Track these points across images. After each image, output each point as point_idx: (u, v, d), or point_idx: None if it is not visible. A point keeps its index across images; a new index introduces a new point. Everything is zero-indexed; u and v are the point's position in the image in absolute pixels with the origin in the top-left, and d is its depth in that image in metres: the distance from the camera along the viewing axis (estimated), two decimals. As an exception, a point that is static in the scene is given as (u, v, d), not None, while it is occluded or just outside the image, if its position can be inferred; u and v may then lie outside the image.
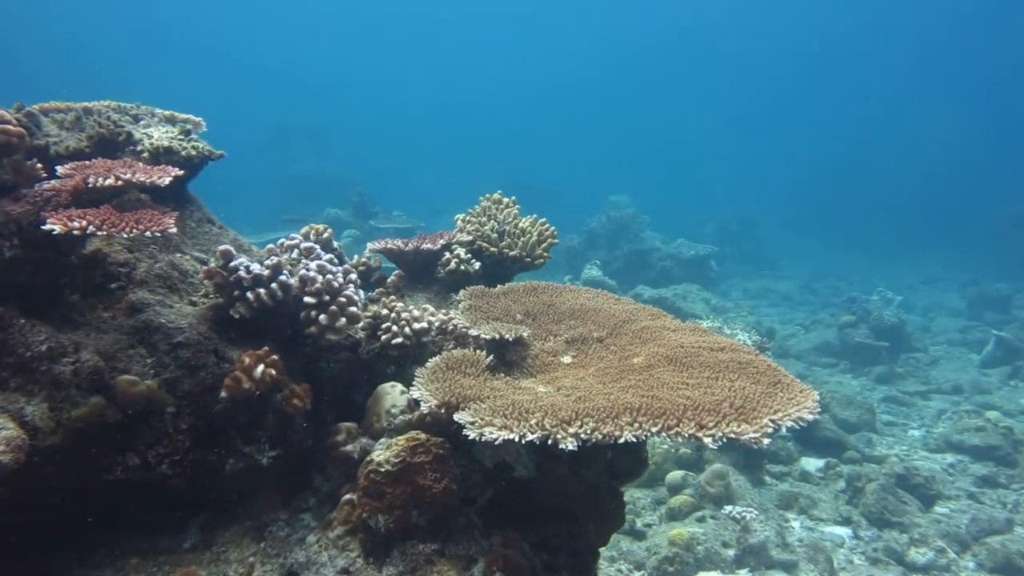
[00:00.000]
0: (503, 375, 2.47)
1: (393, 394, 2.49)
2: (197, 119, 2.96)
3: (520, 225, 3.39)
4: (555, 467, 2.40)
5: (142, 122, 2.74)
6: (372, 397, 2.52)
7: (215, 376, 2.23)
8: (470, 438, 1.96)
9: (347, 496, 2.28)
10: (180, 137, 2.67)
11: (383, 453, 2.20)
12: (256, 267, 2.34)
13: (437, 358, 2.44)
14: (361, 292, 2.58)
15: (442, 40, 52.92)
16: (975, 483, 6.90)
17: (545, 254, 3.37)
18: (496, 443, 1.93)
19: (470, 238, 3.31)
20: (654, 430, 1.97)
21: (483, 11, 50.87)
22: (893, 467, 6.74)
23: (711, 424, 1.99)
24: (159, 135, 2.61)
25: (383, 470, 2.15)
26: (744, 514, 5.37)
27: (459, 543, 2.18)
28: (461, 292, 2.90)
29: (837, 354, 11.90)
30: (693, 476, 6.15)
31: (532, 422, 1.97)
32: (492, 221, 3.37)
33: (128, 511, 2.18)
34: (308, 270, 2.42)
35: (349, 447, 2.42)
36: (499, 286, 3.04)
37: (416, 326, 2.68)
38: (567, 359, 2.63)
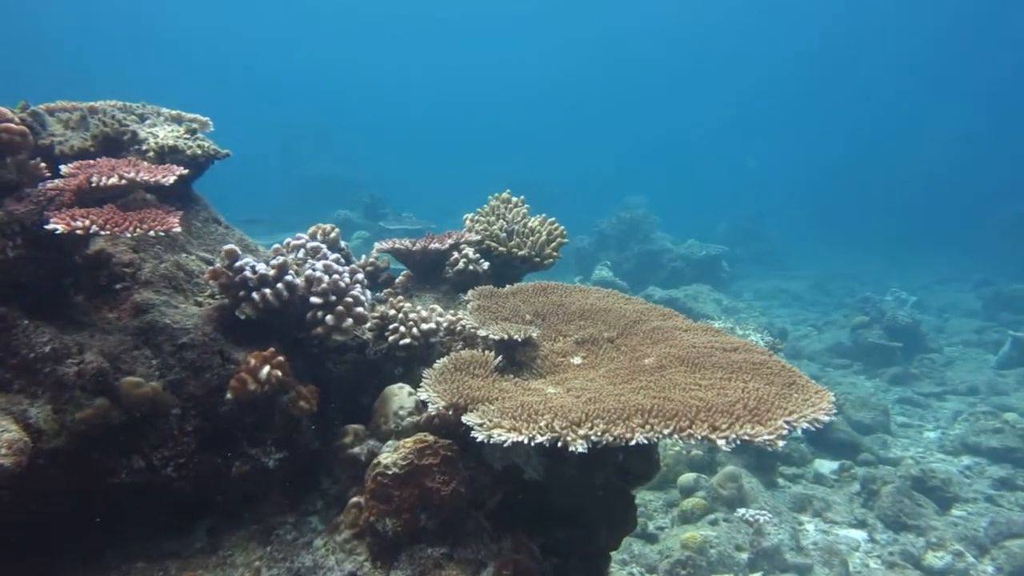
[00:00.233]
0: (512, 376, 2.44)
1: (400, 395, 2.46)
2: (204, 119, 2.95)
3: (529, 224, 3.35)
4: (565, 470, 2.36)
5: (148, 121, 2.73)
6: (379, 399, 2.49)
7: (221, 377, 2.21)
8: (479, 440, 1.92)
9: (354, 499, 2.25)
10: (186, 136, 2.65)
11: (390, 455, 2.16)
12: (262, 267, 2.31)
13: (445, 359, 2.41)
14: (368, 292, 2.55)
15: (449, 42, 53.02)
16: (993, 486, 6.80)
17: (555, 254, 3.33)
18: (505, 445, 1.89)
19: (478, 238, 3.27)
20: (666, 432, 1.93)
21: (488, 11, 50.94)
22: (909, 469, 6.65)
23: (724, 426, 1.95)
24: (164, 134, 2.59)
25: (390, 473, 2.12)
26: (757, 517, 5.30)
27: (468, 547, 2.14)
28: (469, 292, 2.86)
29: (850, 355, 11.78)
30: (705, 478, 6.09)
31: (542, 424, 1.93)
32: (501, 220, 3.34)
33: (133, 514, 2.15)
34: (314, 270, 2.40)
35: (356, 449, 2.39)
36: (508, 286, 3.00)
37: (424, 327, 2.65)
38: (577, 360, 2.59)
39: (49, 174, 2.14)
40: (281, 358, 2.24)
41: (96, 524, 2.10)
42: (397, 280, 3.28)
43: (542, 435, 1.89)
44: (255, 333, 2.36)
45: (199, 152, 2.62)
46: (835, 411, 2.14)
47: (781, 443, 1.92)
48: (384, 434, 2.40)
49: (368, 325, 2.65)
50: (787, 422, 1.99)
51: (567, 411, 1.98)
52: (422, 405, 2.38)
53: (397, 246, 3.19)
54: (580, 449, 1.85)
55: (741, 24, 48.54)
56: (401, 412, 2.41)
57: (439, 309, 2.80)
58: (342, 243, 3.10)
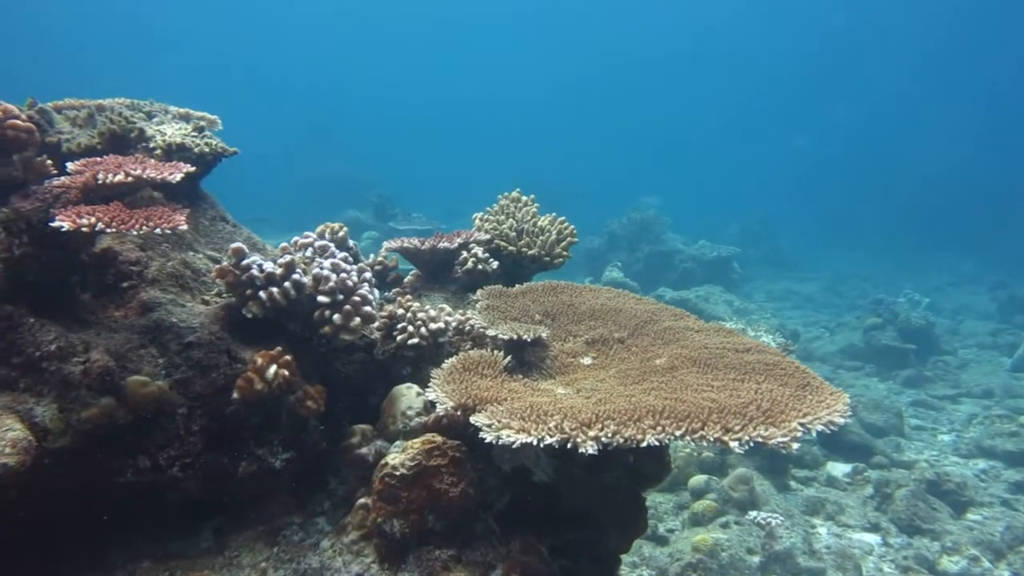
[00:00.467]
0: (521, 376, 2.41)
1: (409, 396, 2.43)
2: (212, 117, 2.93)
3: (539, 223, 3.32)
4: (575, 471, 2.33)
5: (155, 119, 2.71)
6: (387, 399, 2.47)
7: (227, 377, 2.19)
8: (487, 441, 1.89)
9: (362, 500, 2.23)
10: (193, 134, 2.63)
11: (398, 456, 2.14)
12: (269, 265, 2.29)
13: (454, 359, 2.38)
14: (376, 291, 2.53)
15: (458, 42, 53.11)
16: (1009, 489, 6.71)
17: (565, 253, 3.30)
18: (514, 446, 1.86)
19: (488, 237, 3.25)
20: (678, 433, 1.90)
21: (496, 11, 50.97)
22: (923, 473, 6.57)
23: (737, 428, 1.91)
24: (172, 132, 2.57)
25: (398, 473, 2.10)
26: (769, 520, 5.25)
27: (476, 549, 2.12)
28: (479, 292, 2.84)
29: (863, 357, 11.68)
30: (716, 480, 6.04)
31: (551, 425, 1.90)
32: (510, 219, 3.31)
33: (139, 514, 2.14)
34: (322, 268, 2.37)
35: (364, 450, 2.37)
36: (518, 286, 2.97)
37: (432, 326, 2.62)
38: (587, 360, 2.56)
39: (56, 171, 2.13)
40: (288, 357, 2.22)
41: (102, 524, 2.09)
42: (406, 279, 3.26)
43: (552, 436, 1.86)
44: (262, 332, 2.34)
45: (207, 150, 2.60)
46: (850, 413, 2.10)
47: (795, 445, 1.89)
48: (392, 434, 2.38)
49: (376, 324, 2.63)
50: (801, 424, 1.95)
51: (577, 412, 1.95)
52: (430, 405, 2.36)
53: (406, 245, 3.17)
54: (590, 451, 1.82)
55: (753, 21, 48.36)
56: (409, 412, 2.39)
57: (448, 309, 2.78)
58: (350, 242, 3.08)
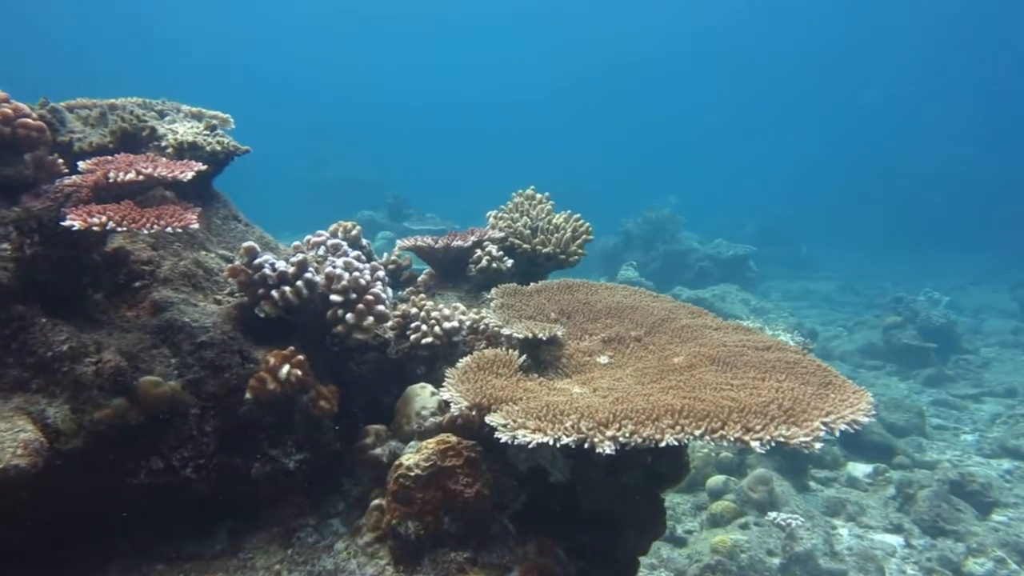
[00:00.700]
0: (537, 376, 2.37)
1: (423, 395, 2.40)
2: (225, 116, 2.92)
3: (554, 221, 3.29)
4: (592, 472, 2.29)
5: (167, 118, 2.70)
6: (401, 398, 2.44)
7: (240, 377, 2.17)
8: (502, 441, 1.86)
9: (376, 501, 2.20)
10: (205, 132, 2.62)
11: (413, 457, 2.11)
12: (281, 264, 2.27)
13: (468, 358, 2.35)
14: (389, 290, 2.50)
15: (470, 46, 53.18)
16: (1034, 490, 6.59)
17: (580, 251, 3.26)
18: (530, 446, 1.83)
19: (502, 235, 3.21)
20: (697, 433, 1.86)
21: (510, 13, 50.97)
22: (946, 473, 6.46)
23: (758, 427, 1.87)
24: (184, 130, 2.56)
25: (413, 474, 2.07)
26: (789, 521, 5.18)
27: (492, 551, 2.08)
28: (493, 290, 2.80)
29: (883, 356, 11.54)
30: (735, 481, 5.97)
31: (567, 424, 1.87)
32: (525, 217, 3.27)
33: (153, 516, 2.12)
34: (335, 267, 2.35)
35: (378, 450, 2.34)
36: (532, 284, 2.94)
37: (446, 325, 2.59)
38: (604, 359, 2.52)
39: (67, 170, 2.12)
40: (301, 357, 2.20)
41: (115, 526, 2.07)
42: (419, 278, 3.23)
43: (568, 436, 1.83)
44: (275, 332, 2.32)
45: (218, 148, 2.59)
46: (874, 412, 2.05)
47: (818, 445, 1.85)
48: (406, 435, 2.35)
49: (390, 324, 2.60)
50: (824, 423, 1.91)
51: (594, 411, 1.92)
52: (445, 405, 2.33)
53: (419, 244, 3.15)
54: (607, 451, 1.78)
55: (765, 15, 47.97)
56: (423, 412, 2.36)
57: (462, 307, 2.74)
58: (363, 241, 3.06)
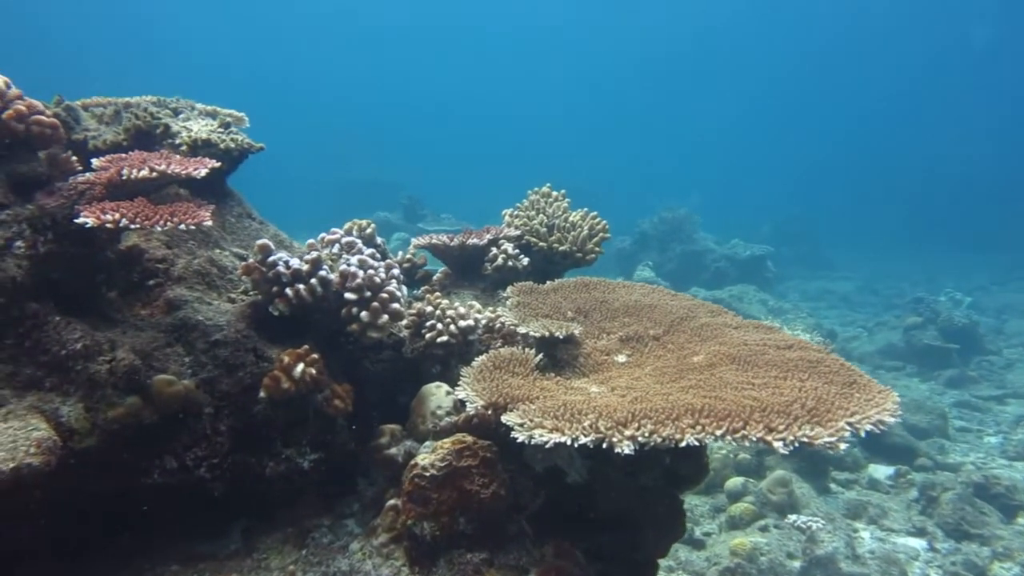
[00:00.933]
0: (554, 375, 2.34)
1: (438, 395, 2.38)
2: (240, 114, 2.91)
3: (570, 219, 3.25)
4: (610, 472, 2.25)
5: (181, 115, 2.70)
6: (416, 398, 2.41)
7: (254, 376, 2.15)
8: (519, 441, 1.83)
9: (391, 501, 2.18)
10: (219, 130, 2.61)
11: (428, 457, 2.08)
12: (295, 262, 2.25)
13: (484, 357, 2.32)
14: (404, 288, 2.48)
15: (485, 48, 53.26)
16: (1061, 493, 6.45)
17: (597, 249, 3.22)
18: (547, 446, 1.79)
19: (518, 233, 3.18)
20: (718, 433, 1.82)
21: (523, 23, 51.04)
22: (970, 475, 6.35)
23: (781, 427, 1.82)
24: (198, 128, 2.55)
25: (428, 474, 2.04)
26: (810, 523, 5.10)
27: (509, 552, 2.05)
28: (509, 288, 2.77)
29: (903, 357, 11.38)
30: (754, 483, 5.90)
31: (585, 424, 1.83)
32: (541, 215, 3.24)
33: (167, 516, 2.11)
34: (349, 265, 2.33)
35: (393, 450, 2.32)
36: (549, 282, 2.90)
37: (462, 324, 2.56)
38: (621, 358, 2.48)
39: (81, 167, 2.11)
40: (315, 356, 2.18)
41: (129, 526, 2.06)
42: (435, 277, 3.21)
43: (586, 436, 1.79)
44: (289, 330, 2.30)
45: (232, 146, 2.58)
46: (900, 412, 2.00)
47: (843, 446, 1.80)
48: (421, 434, 2.33)
49: (405, 322, 2.58)
50: (849, 423, 1.86)
51: (612, 411, 1.88)
52: (460, 404, 2.30)
53: (435, 242, 3.12)
54: (626, 451, 1.74)
55: (784, 13, 47.61)
56: (439, 412, 2.33)
57: (478, 306, 2.72)
58: (378, 239, 3.04)
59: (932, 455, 7.08)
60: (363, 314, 2.30)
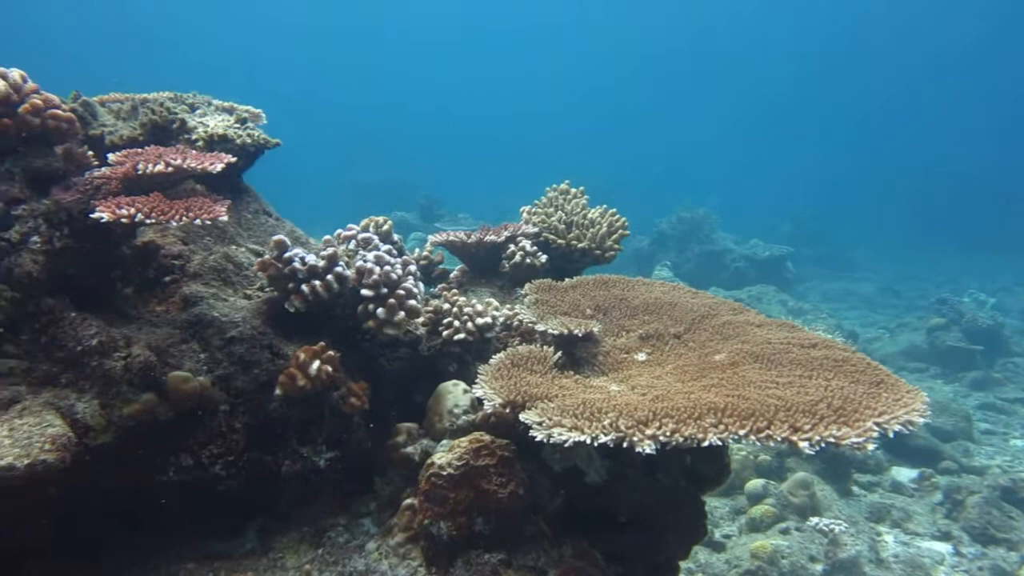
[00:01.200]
0: (572, 373, 2.30)
1: (455, 393, 2.35)
2: (257, 110, 2.90)
3: (589, 216, 3.21)
4: (629, 473, 2.21)
5: (198, 111, 2.69)
6: (433, 396, 2.38)
7: (270, 373, 2.14)
8: (537, 440, 1.79)
9: (408, 501, 2.15)
10: (236, 125, 2.60)
11: (445, 456, 2.05)
12: (311, 258, 2.23)
13: (502, 354, 2.29)
14: (421, 285, 2.45)
15: (498, 53, 53.30)
16: (1090, 497, 6.30)
17: (616, 246, 3.17)
18: (566, 445, 1.76)
19: (536, 230, 3.14)
20: (741, 433, 1.77)
21: (536, 23, 51.00)
22: (996, 479, 6.23)
23: (807, 427, 1.78)
24: (214, 123, 2.54)
25: (445, 474, 2.01)
26: (832, 526, 5.02)
27: (527, 553, 2.02)
28: (527, 286, 2.73)
29: (926, 358, 11.21)
30: (774, 485, 5.82)
31: (605, 423, 1.79)
32: (559, 212, 3.20)
33: (182, 514, 2.09)
34: (365, 261, 2.30)
35: (409, 449, 2.29)
36: (567, 280, 2.86)
37: (479, 321, 2.53)
38: (641, 356, 2.44)
39: (97, 162, 2.11)
40: (332, 353, 2.16)
41: (144, 524, 2.05)
42: (452, 274, 3.18)
43: (606, 435, 1.75)
44: (305, 327, 2.28)
45: (249, 141, 2.56)
46: (929, 412, 1.94)
47: (871, 446, 1.76)
48: (438, 433, 2.30)
49: (421, 320, 2.55)
50: (877, 424, 1.80)
51: (633, 409, 1.84)
52: (478, 403, 2.27)
53: (452, 239, 3.09)
54: (647, 450, 1.70)
55: (803, 8, 47.16)
56: (456, 410, 2.30)
57: (495, 303, 2.68)
58: (395, 236, 3.01)
59: (957, 458, 6.96)
60: (380, 311, 2.27)
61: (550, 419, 1.84)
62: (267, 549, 2.15)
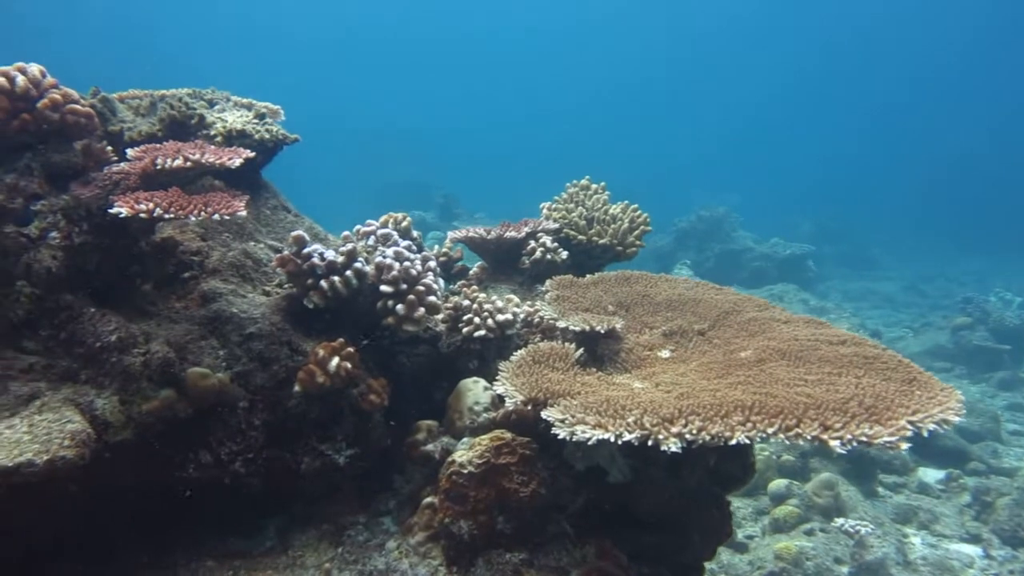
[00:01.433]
0: (595, 370, 2.26)
1: (475, 390, 2.32)
2: (275, 107, 2.88)
3: (610, 211, 3.16)
4: (653, 472, 2.16)
5: (216, 107, 2.68)
6: (453, 393, 2.36)
7: (288, 369, 2.12)
8: (560, 437, 1.76)
9: (428, 499, 2.13)
10: (254, 121, 2.58)
11: (465, 453, 2.02)
12: (330, 254, 2.21)
13: (523, 351, 2.25)
14: (441, 281, 2.42)
15: (515, 52, 53.25)
16: (1123, 499, 6.15)
17: (638, 242, 3.13)
18: (589, 443, 1.72)
19: (556, 226, 3.10)
20: (770, 431, 1.73)
21: (552, 23, 50.95)
22: (1026, 480, 6.10)
23: (838, 425, 1.73)
24: (233, 119, 2.53)
25: (466, 472, 1.98)
26: (858, 528, 4.93)
27: (549, 553, 1.98)
28: (548, 282, 2.69)
29: (952, 358, 11.01)
30: (798, 485, 5.72)
31: (630, 420, 1.75)
32: (580, 208, 3.16)
33: (201, 511, 2.08)
34: (384, 257, 2.28)
35: (429, 446, 2.27)
36: (588, 276, 2.82)
37: (500, 318, 2.50)
38: (665, 353, 2.39)
39: (116, 158, 2.10)
40: (350, 349, 2.13)
41: (163, 521, 2.03)
42: (471, 271, 3.15)
43: (630, 432, 1.71)
44: (324, 323, 2.26)
45: (267, 136, 2.54)
46: (964, 412, 1.88)
47: (905, 446, 1.70)
48: (458, 431, 2.27)
49: (441, 316, 2.52)
50: (911, 422, 1.75)
51: (658, 407, 1.80)
52: (498, 400, 2.23)
53: (471, 235, 3.06)
54: (673, 448, 1.66)
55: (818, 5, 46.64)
56: (476, 408, 2.27)
57: (516, 300, 2.65)
58: (414, 232, 2.99)
59: (985, 459, 6.82)
60: (399, 307, 2.25)
61: (573, 416, 1.81)
62: (287, 547, 2.14)
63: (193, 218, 1.86)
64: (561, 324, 2.37)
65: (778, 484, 5.71)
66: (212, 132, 2.48)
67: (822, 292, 15.78)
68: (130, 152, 2.05)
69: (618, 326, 2.40)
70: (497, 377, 2.12)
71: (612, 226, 3.09)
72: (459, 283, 3.06)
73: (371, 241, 2.45)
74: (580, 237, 3.10)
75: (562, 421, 1.80)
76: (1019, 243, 23.81)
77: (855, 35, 46.58)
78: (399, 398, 2.37)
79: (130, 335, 1.91)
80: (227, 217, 1.88)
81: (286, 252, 2.22)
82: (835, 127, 47.50)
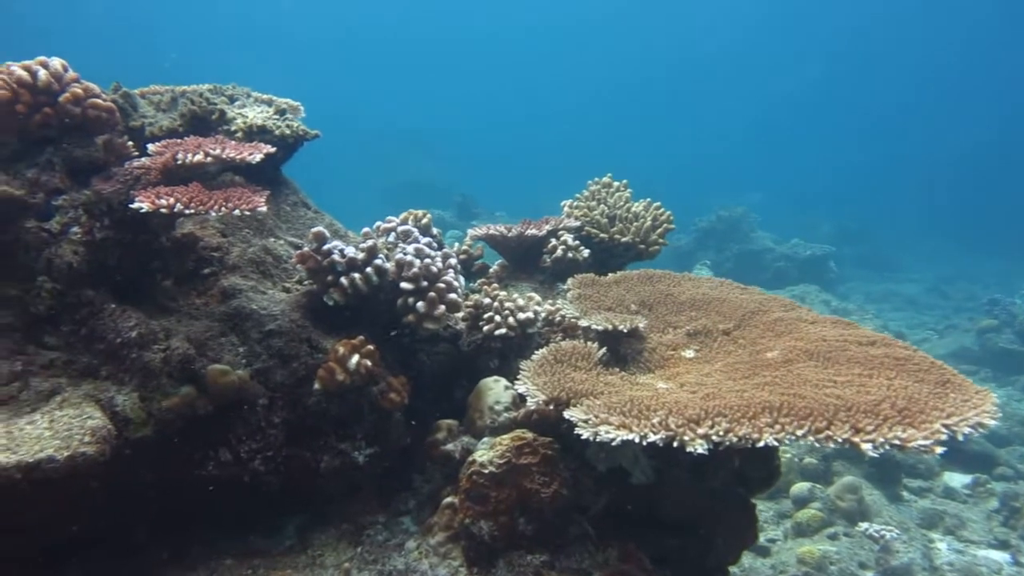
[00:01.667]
0: (617, 370, 2.22)
1: (496, 389, 2.29)
2: (295, 103, 2.87)
3: (632, 209, 3.12)
4: (677, 474, 2.12)
5: (237, 102, 2.67)
6: (474, 392, 2.33)
7: (308, 367, 2.10)
8: (583, 438, 1.73)
9: (448, 499, 2.10)
10: (275, 117, 2.57)
11: (486, 453, 1.99)
12: (351, 251, 2.19)
13: (544, 350, 2.22)
14: (462, 278, 2.39)
15: (533, 50, 53.12)
16: None
17: (661, 240, 3.08)
18: (613, 444, 1.68)
19: (578, 224, 3.07)
20: (799, 433, 1.68)
21: (569, 20, 50.74)
22: (1056, 486, 5.97)
23: (869, 428, 1.68)
24: (253, 114, 2.52)
25: (486, 472, 1.95)
26: (883, 532, 4.84)
27: (571, 555, 1.95)
28: (569, 280, 2.66)
29: (978, 361, 10.83)
30: (821, 488, 5.64)
31: (654, 421, 1.72)
32: (602, 205, 3.12)
33: (221, 509, 2.06)
34: (405, 254, 2.25)
35: (450, 446, 2.24)
36: (610, 274, 2.78)
37: (521, 316, 2.47)
38: (689, 353, 2.35)
39: (136, 153, 2.09)
40: (371, 347, 2.11)
41: (183, 519, 2.02)
42: (492, 269, 3.12)
43: (655, 433, 1.68)
44: (344, 320, 2.24)
45: (288, 132, 2.53)
46: (999, 415, 1.83)
47: (939, 449, 1.66)
48: (479, 430, 2.24)
49: (461, 314, 2.50)
50: (945, 425, 1.70)
51: (683, 408, 1.76)
52: (519, 400, 2.20)
53: (492, 232, 3.03)
54: (699, 450, 1.62)
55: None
56: (497, 407, 2.24)
57: (537, 298, 2.62)
58: (434, 229, 2.96)
59: (1013, 463, 6.68)
60: (419, 304, 2.22)
61: (596, 416, 1.77)
62: (306, 546, 2.12)
63: (213, 214, 1.84)
64: (583, 323, 2.33)
65: (800, 487, 5.62)
66: (233, 128, 2.48)
67: (843, 293, 15.60)
68: (151, 147, 2.04)
69: (641, 325, 2.36)
70: (518, 376, 2.09)
71: (635, 224, 3.05)
72: (479, 281, 3.03)
73: (391, 238, 2.43)
74: (602, 235, 3.06)
75: (585, 421, 1.77)
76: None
77: (879, 32, 46.05)
78: (419, 397, 2.35)
79: (150, 331, 1.90)
80: (247, 213, 1.86)
81: (306, 248, 2.20)
82: (855, 129, 46.97)
